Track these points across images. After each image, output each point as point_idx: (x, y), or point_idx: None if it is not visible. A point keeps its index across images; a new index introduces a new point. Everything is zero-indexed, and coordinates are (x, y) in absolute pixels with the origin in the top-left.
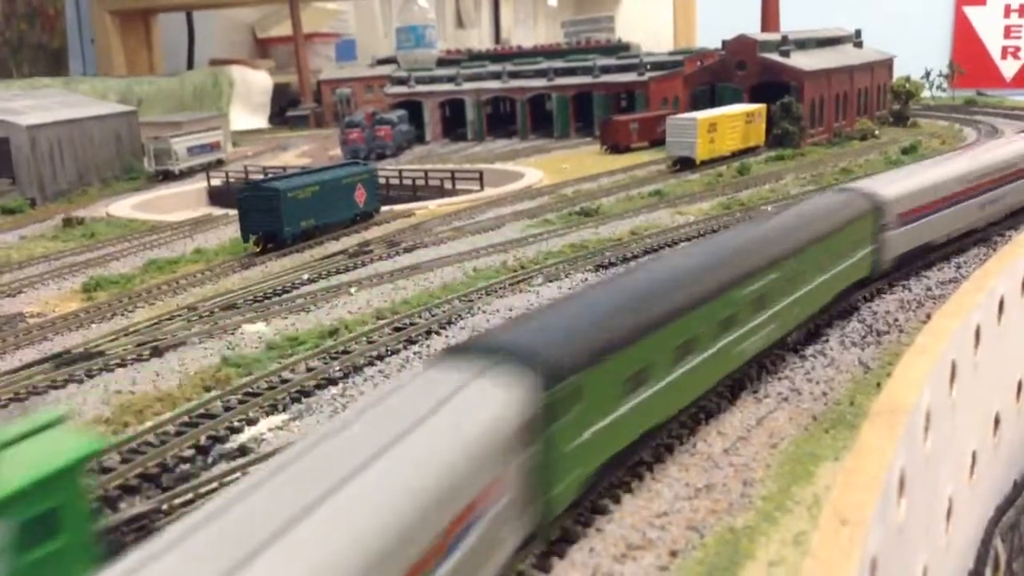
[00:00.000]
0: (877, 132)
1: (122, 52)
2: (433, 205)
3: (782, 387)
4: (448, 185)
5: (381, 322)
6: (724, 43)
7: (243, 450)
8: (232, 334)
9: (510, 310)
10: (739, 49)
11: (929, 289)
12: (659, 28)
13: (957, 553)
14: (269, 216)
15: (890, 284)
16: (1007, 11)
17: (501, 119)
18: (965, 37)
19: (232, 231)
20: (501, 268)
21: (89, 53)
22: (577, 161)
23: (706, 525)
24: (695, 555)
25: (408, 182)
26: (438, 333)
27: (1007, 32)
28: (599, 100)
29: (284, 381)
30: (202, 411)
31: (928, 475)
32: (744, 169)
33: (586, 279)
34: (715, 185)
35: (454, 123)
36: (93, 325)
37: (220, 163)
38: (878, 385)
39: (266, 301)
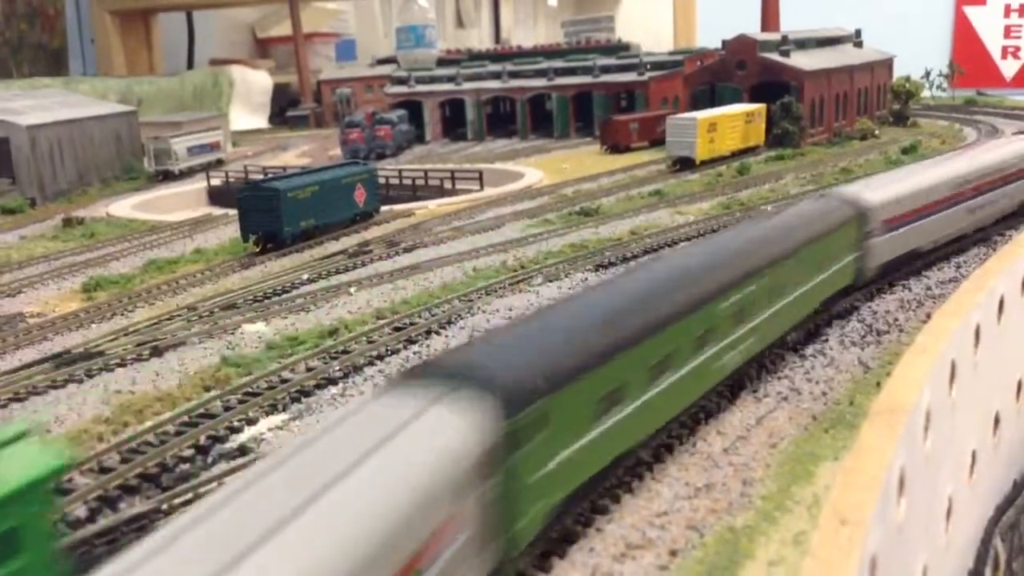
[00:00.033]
0: (877, 132)
1: (122, 52)
2: (433, 205)
3: (782, 387)
4: (448, 185)
5: (381, 322)
6: (724, 43)
7: (243, 450)
8: (232, 334)
9: (510, 310)
10: (739, 49)
11: (929, 289)
12: (659, 28)
13: (957, 553)
14: (269, 216)
15: (890, 284)
16: (1007, 11)
17: (501, 119)
18: (965, 37)
19: (232, 231)
20: (501, 268)
21: (89, 53)
22: (577, 161)
23: (706, 525)
24: (695, 554)
25: (408, 182)
26: (438, 333)
27: (1007, 32)
28: (599, 100)
29: (284, 381)
30: (202, 411)
31: (928, 475)
32: (744, 169)
33: (586, 279)
34: (715, 185)
35: (454, 123)
36: (93, 325)
37: (220, 163)
38: (878, 385)
39: (266, 301)
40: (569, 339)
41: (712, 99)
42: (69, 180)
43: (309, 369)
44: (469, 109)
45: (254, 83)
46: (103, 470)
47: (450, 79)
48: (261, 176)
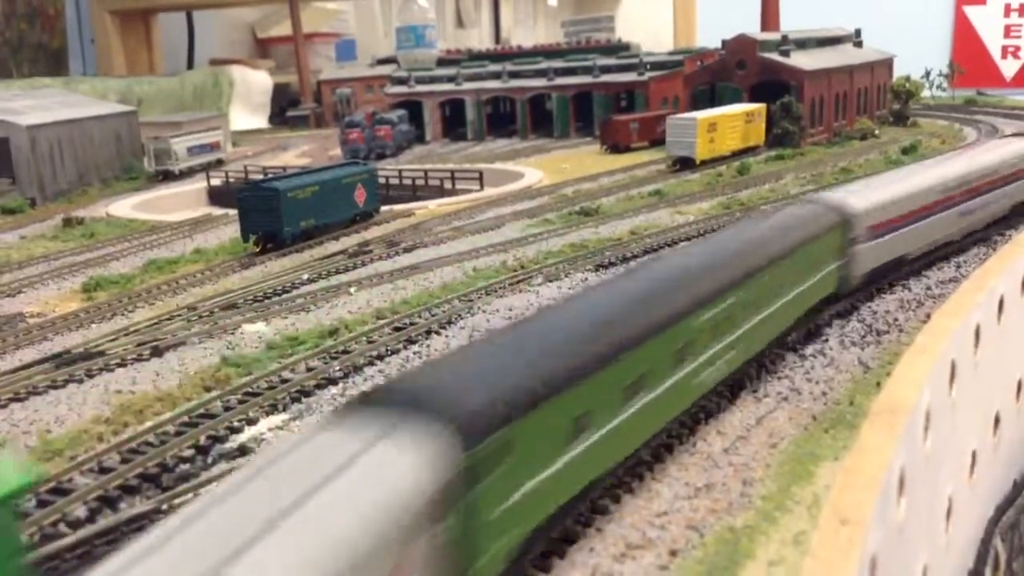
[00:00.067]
0: (877, 132)
1: (122, 52)
2: (433, 205)
3: (782, 387)
4: (448, 185)
5: (381, 322)
6: (724, 43)
7: (243, 450)
8: (232, 334)
9: (510, 309)
10: (739, 49)
11: (929, 288)
12: (659, 28)
13: (957, 553)
14: (269, 216)
15: (890, 284)
16: (1007, 10)
17: (501, 119)
18: (965, 37)
19: (232, 231)
20: (501, 268)
21: (89, 53)
22: (577, 161)
23: (706, 524)
24: (695, 554)
25: (408, 182)
26: (438, 333)
27: (1007, 32)
28: (599, 100)
29: (284, 381)
30: (202, 411)
31: (928, 475)
32: (744, 169)
33: (586, 279)
34: (715, 185)
35: (454, 123)
36: (93, 325)
37: (220, 163)
38: (878, 385)
39: (266, 301)
40: (535, 360)
41: (712, 99)
42: (69, 180)
43: (309, 369)
44: (469, 109)
45: (254, 83)
46: (103, 470)
47: (450, 79)
48: (261, 176)
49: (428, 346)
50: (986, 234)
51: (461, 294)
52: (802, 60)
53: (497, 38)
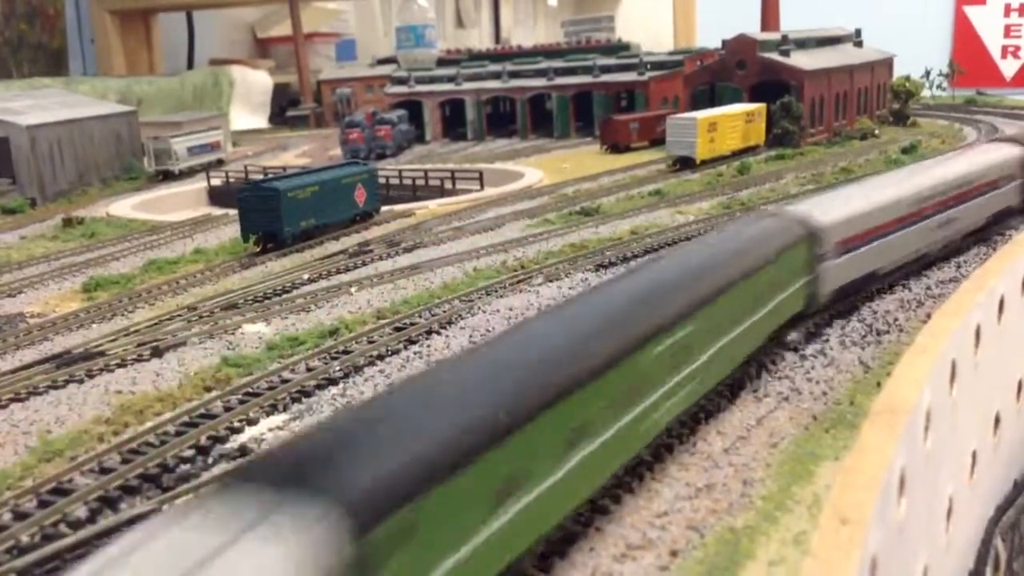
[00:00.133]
0: (877, 131)
1: (122, 52)
2: (433, 205)
3: (782, 386)
4: (448, 185)
5: (382, 322)
6: (724, 43)
7: (243, 450)
8: (232, 334)
9: (510, 309)
10: (739, 49)
11: (929, 288)
12: (659, 28)
13: (957, 553)
14: (269, 216)
15: (890, 284)
16: (1007, 10)
17: (501, 119)
18: (965, 36)
19: (232, 231)
20: (501, 268)
21: (89, 53)
22: (577, 161)
23: (706, 525)
24: (695, 555)
25: (408, 182)
26: (439, 333)
27: (1007, 31)
28: (599, 100)
29: (284, 381)
30: (202, 411)
31: (928, 475)
32: (744, 169)
33: (586, 279)
34: (715, 185)
35: (454, 123)
36: (93, 325)
37: (220, 163)
38: (878, 385)
39: (266, 301)
40: (450, 415)
41: (712, 99)
42: (69, 180)
43: (310, 369)
44: (469, 109)
45: (254, 83)
46: (103, 471)
47: (450, 79)
48: (261, 176)
49: (428, 346)
50: (986, 234)
51: (462, 294)
52: (802, 60)
53: (497, 38)
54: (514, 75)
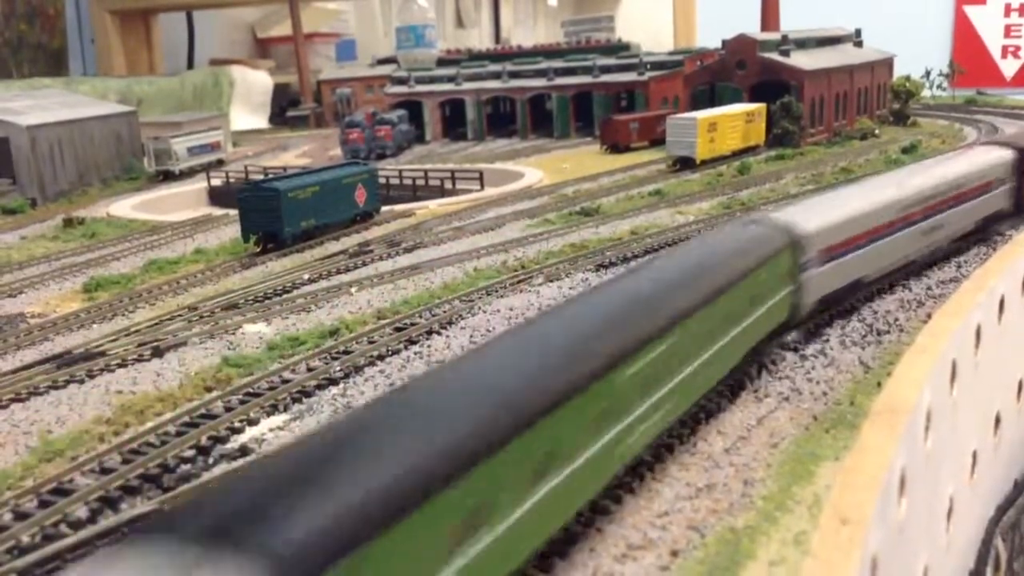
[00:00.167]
0: (877, 131)
1: (122, 52)
2: (433, 205)
3: (782, 387)
4: (448, 185)
5: (382, 322)
6: (724, 43)
7: (244, 450)
8: (233, 334)
9: (511, 309)
10: (739, 49)
11: (929, 288)
12: (659, 28)
13: (958, 553)
14: (269, 216)
15: (890, 284)
16: (1007, 10)
17: (501, 119)
18: (965, 36)
19: (232, 231)
20: (502, 268)
21: (89, 53)
22: (577, 161)
23: (707, 525)
24: (696, 555)
25: (408, 182)
26: (439, 333)
27: (1007, 31)
28: (599, 100)
29: (285, 381)
30: (203, 411)
31: (929, 475)
32: (744, 169)
33: (587, 279)
34: (715, 185)
35: (454, 123)
36: (94, 325)
37: (220, 163)
38: (878, 385)
39: (267, 301)
40: (398, 453)
41: (712, 99)
42: (69, 180)
43: (310, 369)
44: (469, 109)
45: (254, 83)
46: (104, 471)
47: (450, 79)
48: (261, 176)
49: (429, 346)
50: (986, 234)
51: (462, 294)
52: (802, 60)
53: (497, 38)
54: (514, 75)
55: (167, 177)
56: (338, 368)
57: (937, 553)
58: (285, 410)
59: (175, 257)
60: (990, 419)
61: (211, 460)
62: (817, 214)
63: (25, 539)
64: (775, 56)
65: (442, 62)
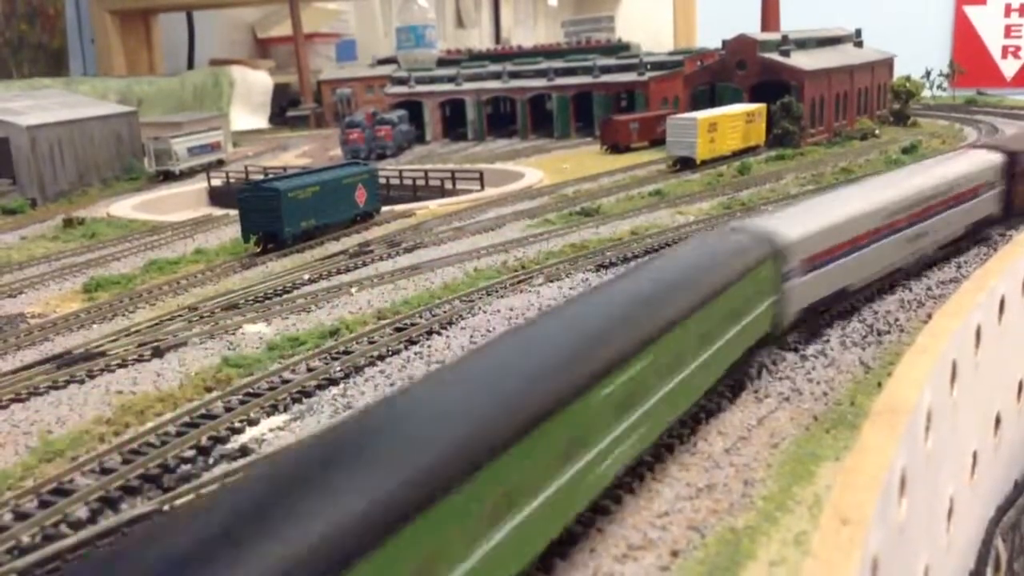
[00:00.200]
0: (877, 131)
1: (122, 52)
2: (434, 205)
3: (783, 387)
4: (448, 185)
5: (382, 322)
6: (724, 43)
7: (244, 451)
8: (233, 334)
9: (511, 310)
10: (739, 49)
11: (929, 289)
12: (659, 28)
13: (958, 553)
14: (269, 216)
15: (891, 285)
16: (1007, 10)
17: (501, 119)
18: (965, 36)
19: (233, 231)
20: (502, 268)
21: (89, 53)
22: (577, 161)
23: (707, 525)
24: (696, 555)
25: (408, 182)
26: (439, 333)
27: (1007, 31)
28: (599, 100)
29: (285, 381)
30: (203, 411)
31: (929, 475)
32: (744, 169)
33: (587, 279)
34: (715, 185)
35: (454, 123)
36: (94, 325)
37: (221, 163)
38: (879, 385)
39: (267, 301)
40: (344, 501)
41: (712, 99)
42: (69, 180)
43: (310, 369)
44: (469, 109)
45: (254, 83)
46: (104, 471)
47: (450, 79)
48: (262, 176)
49: (429, 347)
50: (986, 234)
51: (462, 294)
52: (802, 60)
53: (497, 38)
54: (514, 75)
55: (167, 177)
56: (338, 368)
57: (937, 553)
58: (285, 410)
59: (175, 257)
60: (990, 419)
61: (211, 460)
62: (800, 222)
63: (25, 539)
64: (775, 56)
65: (442, 62)
